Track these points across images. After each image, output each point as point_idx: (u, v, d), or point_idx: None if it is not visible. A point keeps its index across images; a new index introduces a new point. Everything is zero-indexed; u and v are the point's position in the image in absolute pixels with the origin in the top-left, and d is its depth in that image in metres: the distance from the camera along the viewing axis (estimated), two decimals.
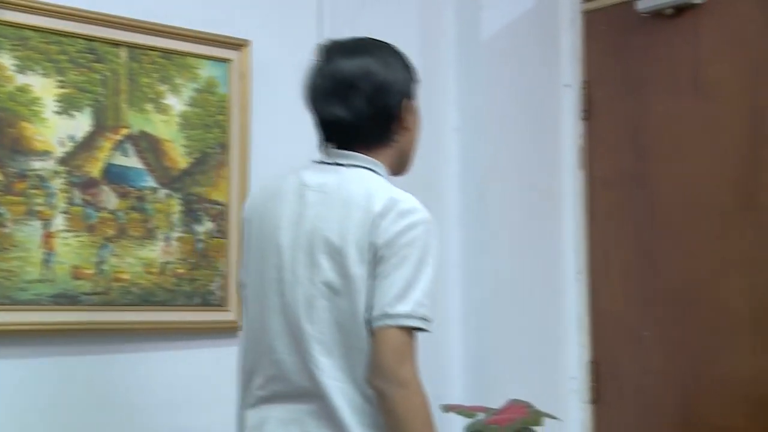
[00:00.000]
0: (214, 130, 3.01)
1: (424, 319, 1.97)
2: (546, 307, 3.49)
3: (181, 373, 2.92)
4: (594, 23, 3.56)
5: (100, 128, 2.81)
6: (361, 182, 2.05)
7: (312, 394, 2.02)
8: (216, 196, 3.00)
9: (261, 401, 2.11)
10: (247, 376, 2.16)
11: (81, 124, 2.78)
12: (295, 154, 3.12)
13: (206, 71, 3.00)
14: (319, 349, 2.01)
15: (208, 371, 2.95)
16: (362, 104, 2.06)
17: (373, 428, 2.00)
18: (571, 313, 3.47)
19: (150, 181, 2.89)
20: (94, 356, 2.82)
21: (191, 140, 2.97)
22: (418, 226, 1.99)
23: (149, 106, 2.90)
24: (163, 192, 2.91)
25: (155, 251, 2.89)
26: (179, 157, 2.95)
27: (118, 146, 2.85)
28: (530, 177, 3.53)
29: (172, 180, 2.93)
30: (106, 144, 2.82)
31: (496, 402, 3.11)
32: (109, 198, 2.83)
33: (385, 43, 2.16)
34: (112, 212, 2.83)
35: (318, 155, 2.17)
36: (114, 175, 2.84)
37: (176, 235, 2.93)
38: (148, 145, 2.89)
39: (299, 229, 2.06)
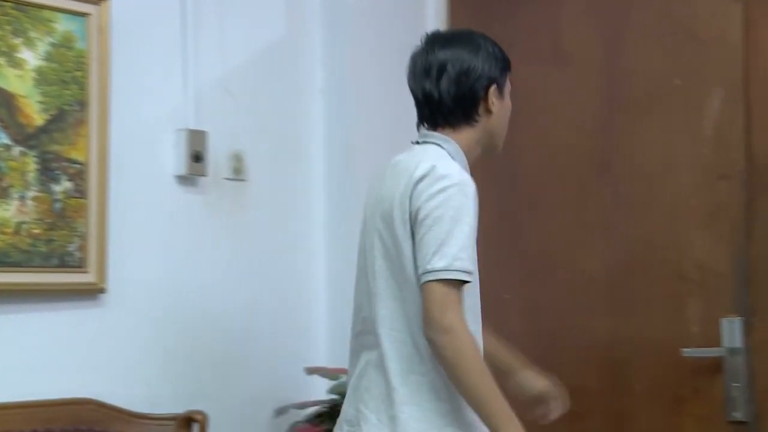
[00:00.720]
0: (72, 87, 2.91)
1: (461, 271, 2.15)
2: None
3: (38, 336, 2.84)
4: None
5: None
6: (421, 155, 2.29)
7: (375, 345, 2.27)
8: (75, 154, 2.91)
9: (353, 355, 2.38)
10: (352, 332, 2.42)
11: None
12: (156, 113, 3.10)
13: (63, 25, 2.90)
14: (380, 303, 2.27)
15: (67, 334, 2.88)
16: (449, 85, 2.32)
17: (416, 374, 2.22)
18: None
19: (3, 138, 2.78)
20: None
21: (48, 96, 2.87)
22: (451, 188, 2.19)
23: (1, 60, 2.79)
24: (17, 149, 2.81)
25: (9, 211, 2.79)
26: (35, 113, 2.84)
27: None
28: (397, 140, 3.50)
29: (27, 137, 2.83)
30: None
31: None
32: None
33: (481, 35, 2.39)
34: None
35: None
36: None
37: (32, 194, 2.83)
38: (1, 101, 2.78)
39: (378, 199, 2.33)
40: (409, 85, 2.40)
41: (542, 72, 3.31)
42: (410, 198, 2.22)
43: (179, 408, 2.94)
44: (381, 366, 2.26)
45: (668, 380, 3.00)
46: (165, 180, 3.12)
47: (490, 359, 2.31)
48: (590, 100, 3.22)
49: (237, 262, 3.25)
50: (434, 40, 2.39)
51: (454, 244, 2.16)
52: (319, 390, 3.14)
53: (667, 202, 3.08)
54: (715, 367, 2.91)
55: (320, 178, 3.45)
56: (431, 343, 2.16)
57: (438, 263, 2.15)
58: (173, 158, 3.12)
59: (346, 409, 2.37)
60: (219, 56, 3.25)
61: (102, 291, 2.94)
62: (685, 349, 2.88)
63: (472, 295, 2.27)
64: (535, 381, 2.58)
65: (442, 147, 2.33)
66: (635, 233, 3.12)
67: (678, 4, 3.11)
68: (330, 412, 3.09)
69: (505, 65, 2.39)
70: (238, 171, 3.28)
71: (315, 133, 3.47)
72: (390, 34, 3.54)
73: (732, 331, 2.89)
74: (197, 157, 3.14)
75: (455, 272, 2.15)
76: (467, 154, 2.35)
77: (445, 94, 2.33)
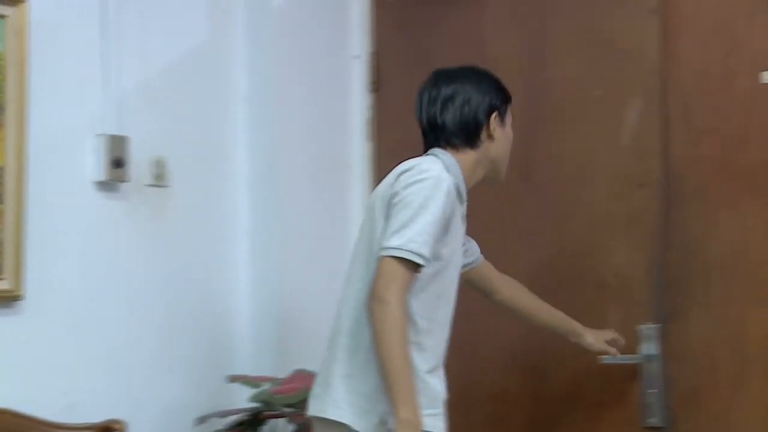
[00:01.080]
0: None
1: (414, 252, 2.31)
2: (334, 277, 3.49)
3: None
4: None
5: None
6: (413, 160, 2.47)
7: (336, 324, 2.50)
8: None
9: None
10: None
11: None
12: (76, 118, 3.05)
13: None
14: (349, 285, 2.49)
15: None
16: (453, 112, 2.53)
17: (363, 349, 2.38)
18: None
19: None
20: None
21: None
22: (427, 180, 2.38)
23: None
24: None
25: None
26: None
27: None
28: (319, 147, 3.54)
29: None
30: None
31: (284, 372, 3.13)
32: None
33: (483, 70, 2.62)
34: None
35: None
36: None
37: None
38: None
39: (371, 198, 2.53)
40: (417, 118, 2.60)
41: None
42: (392, 186, 2.42)
43: (98, 417, 2.90)
44: (335, 342, 2.46)
45: (587, 386, 3.04)
46: (85, 186, 3.08)
47: (549, 326, 2.84)
48: (512, 108, 3.25)
49: (158, 268, 3.22)
50: (439, 76, 2.59)
51: (414, 228, 2.32)
52: (241, 398, 3.13)
53: (587, 210, 3.12)
54: (633, 373, 2.96)
55: (243, 184, 3.43)
56: (368, 311, 2.33)
57: (395, 242, 2.32)
58: (93, 163, 3.08)
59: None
60: (141, 61, 3.22)
61: (19, 298, 2.89)
62: (603, 356, 2.92)
63: (441, 284, 2.44)
64: (599, 336, 2.87)
65: (438, 157, 2.50)
66: (556, 241, 3.16)
67: (597, 16, 3.16)
68: (252, 421, 3.08)
69: (505, 97, 2.60)
70: (159, 177, 3.25)
71: (238, 140, 3.45)
72: (314, 41, 3.54)
73: (649, 338, 2.94)
74: (118, 163, 3.10)
75: (407, 252, 2.31)
76: (466, 174, 2.53)
77: (448, 121, 2.53)
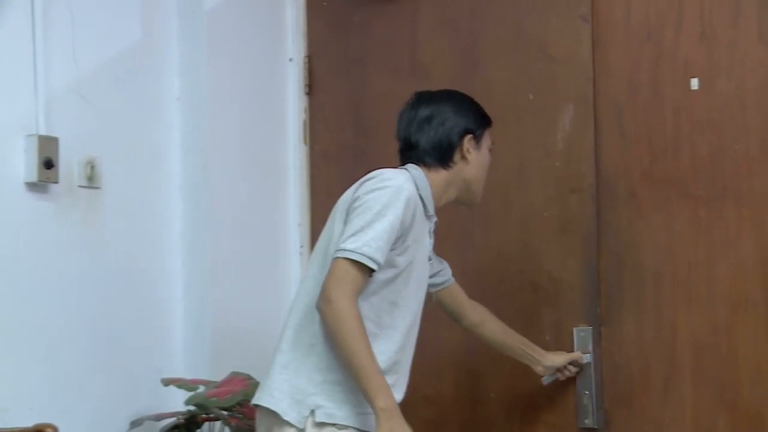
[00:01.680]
0: None
1: (367, 256, 2.35)
2: (268, 280, 3.51)
3: None
4: None
5: None
6: (381, 169, 2.50)
7: (287, 320, 2.53)
8: None
9: None
10: None
11: None
12: (5, 118, 2.99)
13: None
14: (302, 284, 2.54)
15: None
16: (428, 131, 2.59)
17: (306, 345, 2.44)
18: (293, 286, 3.50)
19: None
20: None
21: None
22: (388, 188, 2.42)
23: None
24: None
25: None
26: None
27: None
28: (254, 150, 3.52)
29: None
30: None
31: (219, 375, 3.11)
32: None
33: (463, 94, 2.68)
34: None
35: None
36: None
37: None
38: None
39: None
40: (396, 137, 2.66)
41: (399, 84, 3.34)
42: (354, 192, 2.47)
43: (29, 421, 2.85)
44: (282, 334, 2.51)
45: (523, 389, 3.08)
46: (14, 187, 3.02)
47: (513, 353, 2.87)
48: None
49: (90, 271, 3.17)
50: (420, 98, 2.65)
51: (370, 233, 2.37)
52: (177, 402, 3.10)
53: (520, 214, 3.16)
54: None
55: (177, 186, 3.40)
56: (319, 312, 2.39)
57: (350, 245, 2.36)
58: (23, 165, 3.02)
59: None
60: (71, 60, 3.17)
61: None
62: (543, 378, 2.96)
63: (396, 292, 2.47)
64: (557, 358, 2.91)
65: (408, 170, 2.55)
66: (490, 244, 3.20)
67: (530, 22, 3.20)
68: (187, 424, 3.05)
69: (483, 121, 2.66)
70: (91, 178, 3.20)
71: (172, 141, 3.42)
72: (248, 43, 3.53)
73: (583, 341, 2.99)
74: (48, 164, 3.05)
75: (360, 255, 2.36)
76: (436, 191, 2.57)
77: (423, 140, 2.59)
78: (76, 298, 3.12)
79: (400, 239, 2.44)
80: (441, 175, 2.59)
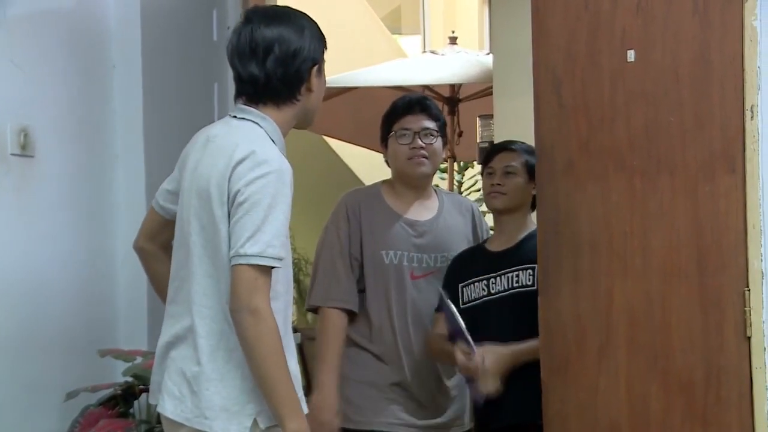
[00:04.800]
0: None
1: (273, 258, 2.24)
2: None
3: None
4: None
5: None
6: (238, 133, 2.33)
7: (186, 319, 2.34)
8: None
9: (165, 322, 2.41)
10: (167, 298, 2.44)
11: None
12: None
13: None
14: (193, 279, 2.32)
15: None
16: (276, 66, 2.35)
17: (223, 350, 2.30)
18: None
19: None
20: None
21: None
22: (270, 174, 2.26)
23: None
24: None
25: None
26: None
27: None
28: (195, 115, 3.50)
29: None
30: None
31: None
32: None
33: (302, 13, 2.44)
34: None
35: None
36: None
37: None
38: None
39: (194, 174, 2.35)
40: (231, 62, 2.41)
41: None
42: (229, 180, 2.28)
43: None
44: (191, 341, 2.33)
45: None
46: None
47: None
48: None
49: (24, 241, 3.14)
50: (257, 18, 2.40)
51: (269, 231, 2.24)
52: (115, 372, 3.09)
53: None
54: None
55: (115, 154, 3.37)
56: (235, 323, 2.25)
57: (251, 248, 2.23)
58: None
59: (153, 374, 2.44)
60: (2, 25, 3.11)
61: None
62: None
63: (285, 279, 2.37)
64: None
65: (260, 125, 2.37)
66: None
67: None
68: (124, 395, 3.05)
69: (323, 45, 2.46)
70: (24, 147, 3.16)
71: (110, 108, 3.38)
72: (183, 9, 3.49)
73: None
74: None
75: (267, 258, 2.24)
76: (283, 130, 2.41)
77: (271, 76, 2.36)
78: (8, 267, 3.09)
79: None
80: (289, 112, 2.41)
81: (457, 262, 3.15)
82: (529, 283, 3.07)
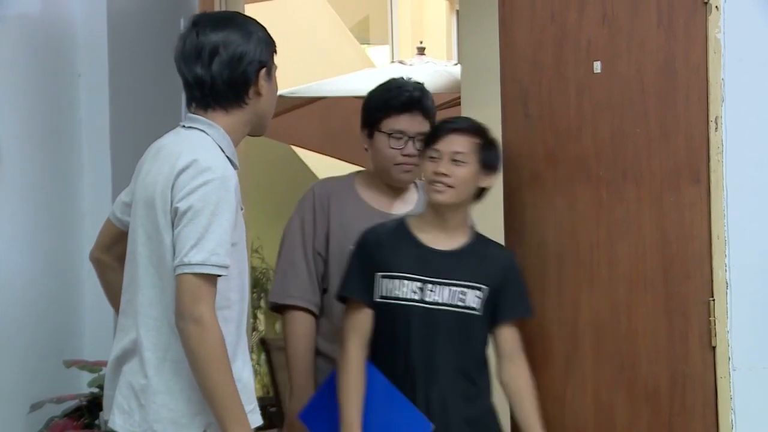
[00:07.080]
0: None
1: (217, 266, 2.21)
2: None
3: None
4: None
5: None
6: (184, 142, 2.31)
7: (133, 331, 2.32)
8: None
9: (116, 334, 2.40)
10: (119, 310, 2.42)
11: None
12: None
13: None
14: (139, 290, 2.31)
15: None
16: (222, 69, 2.32)
17: (170, 362, 2.27)
18: None
19: None
20: None
21: None
22: (213, 182, 2.23)
23: None
24: None
25: None
26: None
27: None
28: (160, 123, 3.43)
29: None
30: None
31: None
32: None
33: (251, 18, 2.43)
34: None
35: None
36: None
37: None
38: None
39: (142, 184, 2.34)
40: (178, 67, 2.39)
41: None
42: (171, 189, 2.26)
43: None
44: (137, 353, 2.31)
45: None
46: None
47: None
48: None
49: None
50: (203, 22, 2.38)
51: (212, 239, 2.21)
52: (81, 383, 3.06)
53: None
54: None
55: (81, 163, 3.34)
56: (180, 332, 2.22)
57: (195, 257, 2.20)
58: None
59: (106, 389, 2.42)
60: None
61: None
62: None
63: (239, 287, 2.34)
64: None
65: (207, 133, 2.33)
66: None
67: None
68: (89, 406, 3.01)
69: (272, 48, 2.42)
70: None
71: (76, 117, 3.35)
72: (151, 18, 3.48)
73: None
74: None
75: (211, 267, 2.21)
76: (234, 136, 2.37)
77: (217, 78, 2.33)
78: None
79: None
80: (238, 117, 2.36)
81: (373, 244, 2.73)
82: (475, 307, 2.67)
